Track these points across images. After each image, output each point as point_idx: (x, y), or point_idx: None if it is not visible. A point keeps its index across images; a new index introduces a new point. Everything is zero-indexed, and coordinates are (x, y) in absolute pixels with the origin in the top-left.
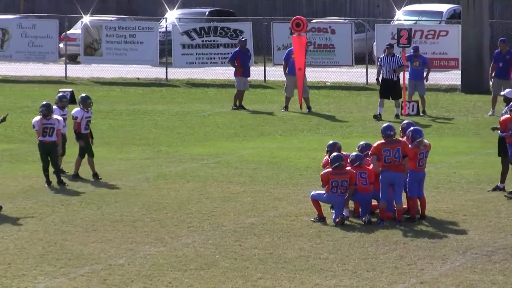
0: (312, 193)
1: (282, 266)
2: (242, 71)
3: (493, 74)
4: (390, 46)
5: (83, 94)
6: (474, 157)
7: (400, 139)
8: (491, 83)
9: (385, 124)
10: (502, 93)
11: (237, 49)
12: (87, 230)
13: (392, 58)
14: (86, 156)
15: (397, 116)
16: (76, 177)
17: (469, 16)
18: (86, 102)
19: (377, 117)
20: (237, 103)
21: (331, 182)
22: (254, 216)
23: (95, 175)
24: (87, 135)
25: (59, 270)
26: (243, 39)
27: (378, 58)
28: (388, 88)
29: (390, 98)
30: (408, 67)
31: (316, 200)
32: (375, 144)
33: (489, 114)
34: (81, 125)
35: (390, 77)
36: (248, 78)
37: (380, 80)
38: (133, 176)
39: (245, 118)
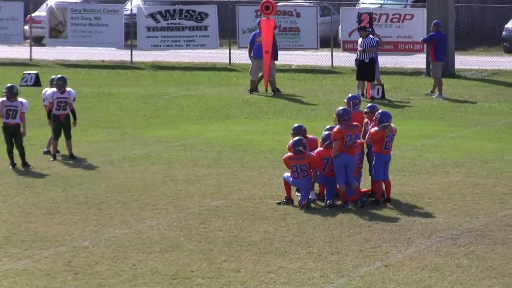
0: (284, 174)
1: (247, 249)
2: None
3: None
4: (361, 28)
5: (58, 75)
6: (439, 141)
7: (356, 123)
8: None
9: (340, 108)
10: None
11: (257, 31)
12: (52, 212)
13: (365, 39)
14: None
15: (372, 97)
16: (54, 158)
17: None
18: (58, 83)
19: None
20: (254, 87)
21: (291, 166)
22: (219, 198)
23: (72, 156)
24: (59, 116)
25: (23, 252)
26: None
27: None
28: (361, 69)
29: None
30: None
31: (286, 181)
32: (335, 129)
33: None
34: (53, 106)
35: (361, 58)
36: (214, 61)
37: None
38: (98, 158)
39: (210, 101)
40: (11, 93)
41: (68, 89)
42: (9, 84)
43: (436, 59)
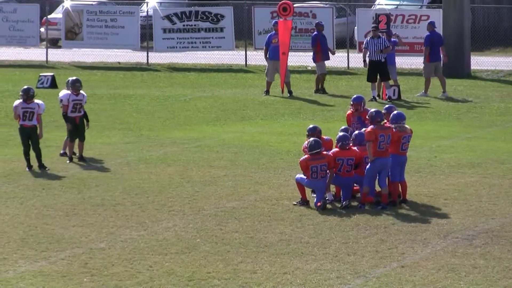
0: (296, 176)
1: (263, 250)
2: (322, 56)
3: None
4: (375, 28)
5: (73, 77)
6: (455, 142)
7: (389, 125)
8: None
9: (373, 110)
10: None
11: (315, 33)
12: (68, 214)
13: (378, 39)
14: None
15: (389, 98)
16: (70, 160)
17: (450, 0)
18: (74, 86)
19: (374, 100)
20: (320, 87)
21: (310, 168)
22: (235, 200)
23: (81, 158)
24: (75, 119)
25: (40, 254)
26: (321, 23)
27: (362, 42)
28: (376, 70)
29: (378, 80)
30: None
31: (299, 183)
32: (369, 130)
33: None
34: (68, 108)
35: (377, 58)
36: (230, 62)
37: (367, 62)
38: (114, 160)
39: (226, 102)
40: (27, 95)
41: (36, 100)
42: (25, 87)
43: (431, 59)
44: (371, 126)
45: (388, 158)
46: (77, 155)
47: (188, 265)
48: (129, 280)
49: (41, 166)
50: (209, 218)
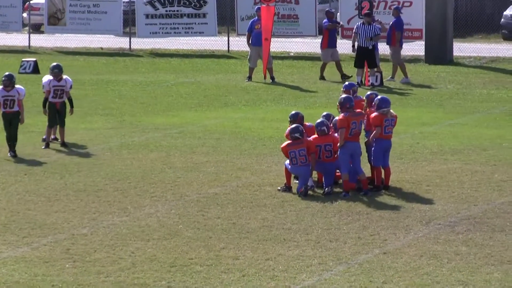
0: (285, 162)
1: (245, 236)
2: (329, 42)
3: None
4: (368, 15)
5: (54, 63)
6: (438, 128)
7: (360, 110)
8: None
9: (343, 96)
10: None
11: (325, 20)
12: (50, 199)
13: (369, 26)
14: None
15: (372, 85)
16: (47, 146)
17: None
18: (53, 71)
19: (358, 86)
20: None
21: (289, 153)
22: (217, 186)
23: (63, 144)
24: (56, 104)
25: (22, 239)
26: (332, 10)
27: (347, 28)
28: (364, 57)
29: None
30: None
31: (286, 169)
32: (340, 117)
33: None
34: (49, 94)
35: (365, 45)
36: (212, 48)
37: (355, 48)
38: (96, 146)
39: (208, 88)
40: (11, 81)
41: (64, 76)
42: (7, 73)
43: (400, 44)
44: (342, 114)
45: (358, 143)
46: (59, 141)
47: (170, 251)
48: (111, 266)
49: (13, 152)
50: (192, 204)
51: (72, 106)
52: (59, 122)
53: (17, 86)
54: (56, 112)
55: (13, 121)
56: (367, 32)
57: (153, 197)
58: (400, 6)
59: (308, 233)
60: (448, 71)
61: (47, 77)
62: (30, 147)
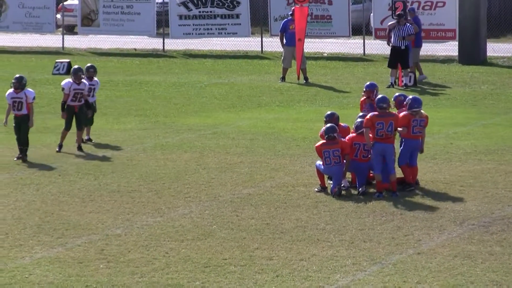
0: (316, 163)
1: (279, 237)
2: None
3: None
4: (399, 16)
5: (75, 66)
6: (471, 128)
7: (393, 112)
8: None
9: (379, 96)
10: None
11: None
12: (84, 200)
13: (403, 26)
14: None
15: (405, 85)
16: (60, 148)
17: None
18: (76, 74)
19: (391, 87)
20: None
21: (323, 152)
22: (251, 186)
23: (79, 148)
24: (74, 107)
25: (56, 240)
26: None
27: (379, 28)
28: (397, 56)
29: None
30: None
31: (318, 170)
32: (368, 116)
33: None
34: (68, 97)
35: (398, 45)
36: (246, 49)
37: (390, 47)
38: (130, 146)
39: (242, 89)
40: (20, 83)
41: (83, 80)
42: (17, 75)
43: (417, 45)
44: (370, 113)
45: (389, 144)
46: (93, 141)
47: (204, 251)
48: (145, 266)
49: (24, 156)
50: (225, 205)
51: (88, 108)
52: (77, 125)
53: (27, 88)
54: (74, 115)
55: (22, 125)
56: (400, 31)
57: (187, 198)
58: (414, 7)
59: (342, 233)
60: (482, 72)
61: (67, 79)
62: (65, 148)
